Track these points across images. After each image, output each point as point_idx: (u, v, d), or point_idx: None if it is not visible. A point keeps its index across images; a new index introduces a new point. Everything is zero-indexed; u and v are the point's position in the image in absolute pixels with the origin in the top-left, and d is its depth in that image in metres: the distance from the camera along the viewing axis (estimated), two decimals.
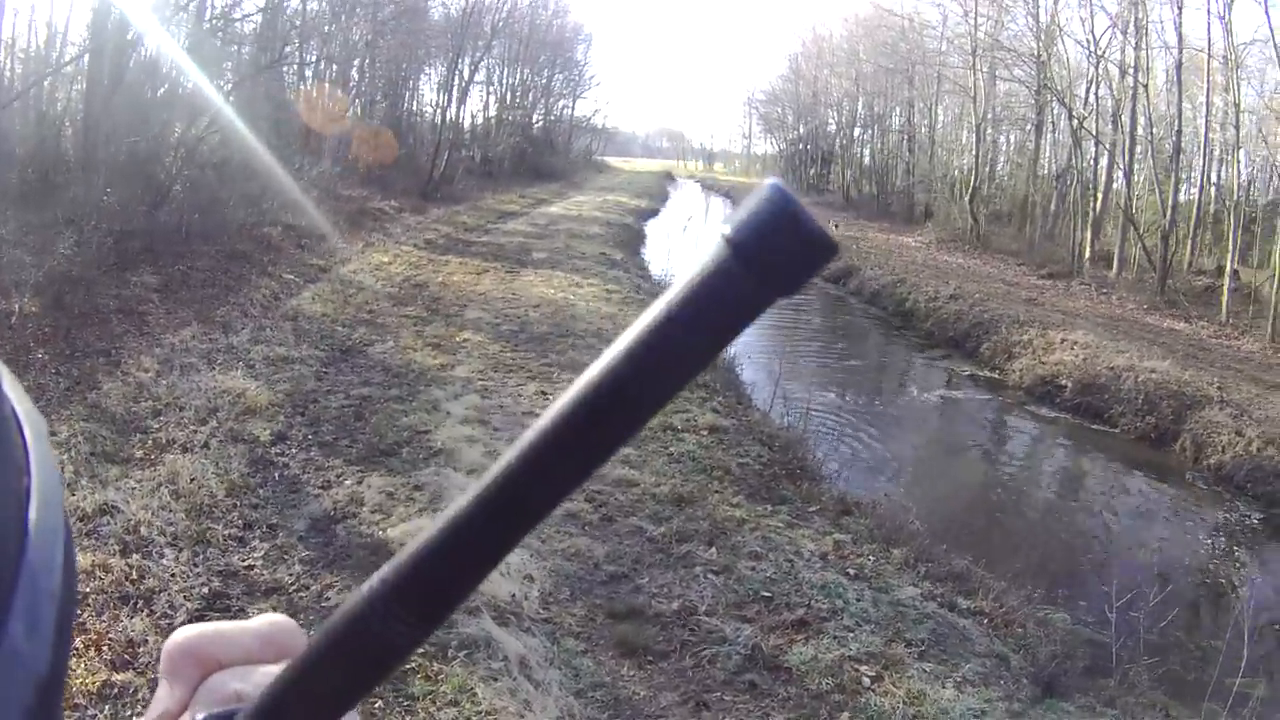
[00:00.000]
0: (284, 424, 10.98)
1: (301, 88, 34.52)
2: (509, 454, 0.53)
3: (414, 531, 7.85)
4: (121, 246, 15.89)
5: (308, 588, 7.25)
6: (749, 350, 19.06)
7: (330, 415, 11.45)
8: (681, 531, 8.67)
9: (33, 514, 0.56)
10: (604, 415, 0.52)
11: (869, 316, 28.18)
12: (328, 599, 7.07)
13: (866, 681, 6.51)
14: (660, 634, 6.92)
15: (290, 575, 7.43)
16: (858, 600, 7.55)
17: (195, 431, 10.24)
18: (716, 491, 9.74)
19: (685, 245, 36.72)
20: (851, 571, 8.17)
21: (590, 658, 6.58)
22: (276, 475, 9.53)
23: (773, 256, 0.49)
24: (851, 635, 7.00)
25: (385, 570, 0.56)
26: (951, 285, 27.50)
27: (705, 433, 11.60)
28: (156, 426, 10.29)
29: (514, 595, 7.17)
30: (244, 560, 7.66)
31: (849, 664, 6.65)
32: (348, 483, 9.38)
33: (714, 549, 8.33)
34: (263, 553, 7.79)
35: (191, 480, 8.89)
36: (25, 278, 13.20)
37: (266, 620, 0.73)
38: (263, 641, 0.71)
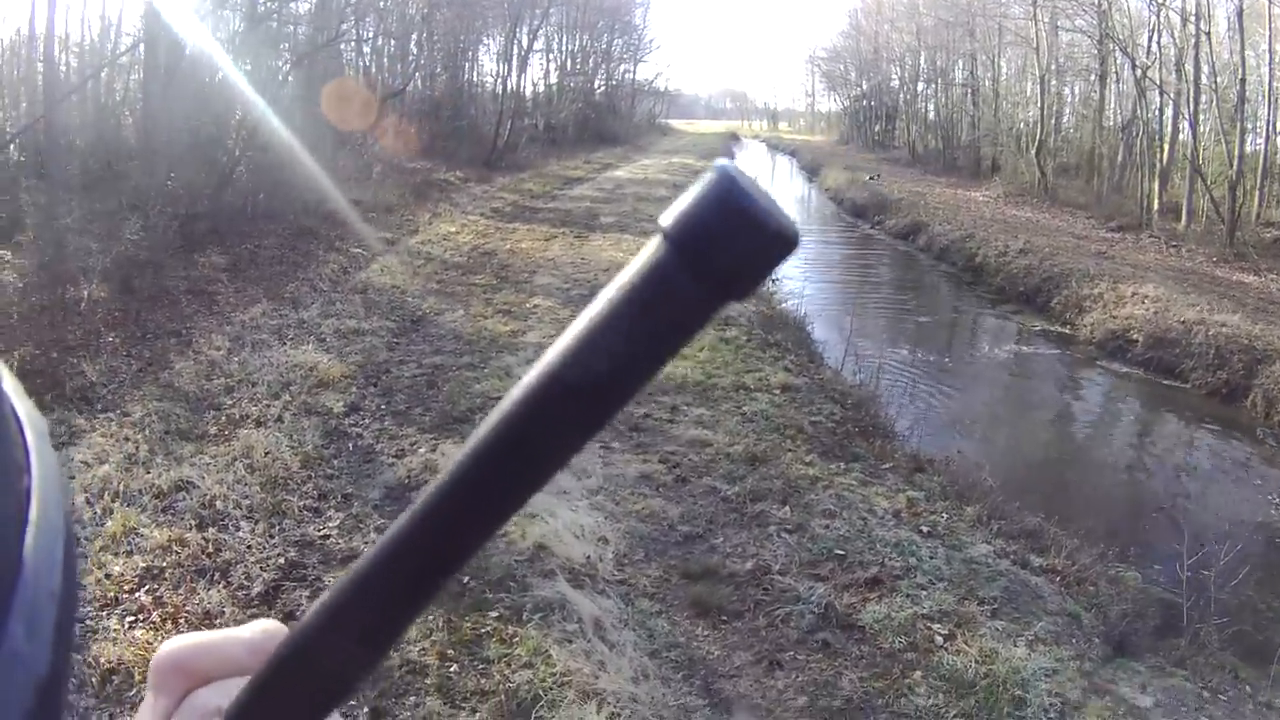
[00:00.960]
0: (357, 395, 11.10)
1: (359, 66, 34.61)
2: (438, 480, 0.52)
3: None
4: (187, 229, 16.15)
5: None
6: (820, 307, 19.06)
7: (403, 385, 11.54)
8: (755, 490, 8.68)
9: (33, 514, 0.56)
10: (539, 432, 0.49)
11: (938, 272, 28.00)
12: None
13: (939, 640, 6.50)
14: (734, 594, 6.95)
15: (366, 543, 7.47)
16: (930, 558, 7.54)
17: (268, 406, 10.39)
18: (790, 450, 9.73)
19: None
20: (924, 529, 8.16)
21: (665, 618, 6.62)
22: (350, 446, 9.64)
23: (720, 254, 0.44)
24: (924, 593, 6.99)
25: (328, 594, 0.56)
26: (1020, 240, 27.23)
27: (778, 391, 11.60)
28: (230, 403, 10.44)
29: (589, 557, 7.22)
30: (319, 530, 7.77)
31: (922, 622, 6.65)
32: (421, 450, 9.46)
33: (788, 508, 8.33)
34: (338, 522, 7.89)
35: (266, 454, 9.02)
36: (93, 264, 13.42)
37: (257, 628, 0.72)
38: (252, 651, 0.70)
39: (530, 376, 0.48)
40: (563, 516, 7.82)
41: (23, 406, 0.62)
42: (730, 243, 0.43)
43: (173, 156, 18.14)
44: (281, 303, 14.85)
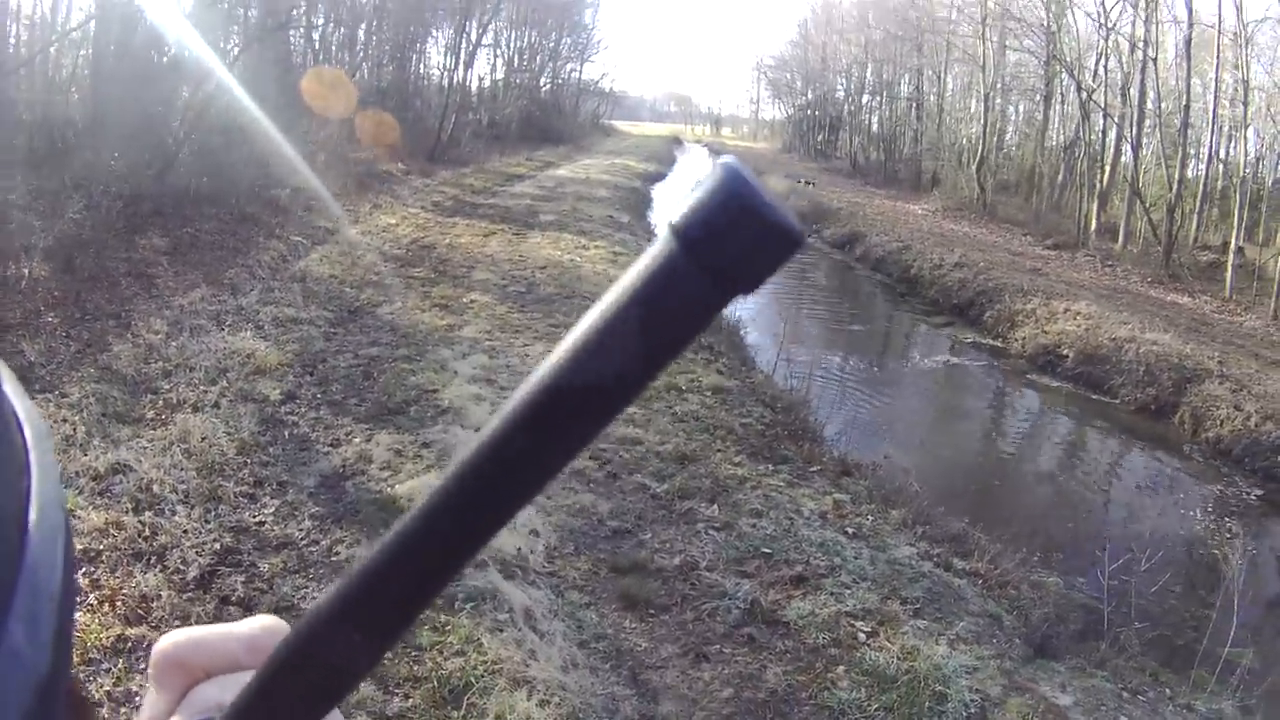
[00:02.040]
0: (293, 383, 11.11)
1: (308, 54, 34.51)
2: (451, 469, 0.52)
3: (420, 489, 8.01)
4: (130, 210, 16.01)
5: (317, 543, 7.41)
6: (753, 314, 19.19)
7: (339, 375, 11.57)
8: (684, 489, 8.80)
9: (33, 514, 0.56)
10: (546, 430, 0.49)
11: (874, 282, 28.26)
12: (337, 553, 7.24)
13: (862, 637, 6.66)
14: (662, 588, 7.07)
15: (300, 531, 7.58)
16: (855, 558, 7.70)
17: (205, 392, 10.37)
18: (719, 450, 9.87)
19: None
20: (850, 530, 8.32)
21: (594, 610, 6.73)
22: (286, 434, 9.66)
23: (728, 250, 0.45)
24: (848, 592, 7.14)
25: (334, 588, 0.56)
26: (956, 253, 27.62)
27: (709, 393, 11.73)
28: (167, 387, 10.41)
29: (520, 549, 7.32)
30: (255, 517, 7.80)
31: (845, 619, 6.80)
32: (356, 440, 9.50)
33: (716, 506, 8.47)
34: (274, 509, 7.93)
35: (202, 439, 9.02)
36: (35, 242, 13.25)
37: (256, 624, 0.72)
38: (250, 647, 0.71)
39: (541, 371, 0.49)
40: None
41: (23, 407, 0.63)
42: (739, 239, 0.45)
43: (119, 135, 18.05)
44: (221, 288, 14.79)
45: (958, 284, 24.27)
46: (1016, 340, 19.90)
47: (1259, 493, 13.59)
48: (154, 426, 9.37)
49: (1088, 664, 7.20)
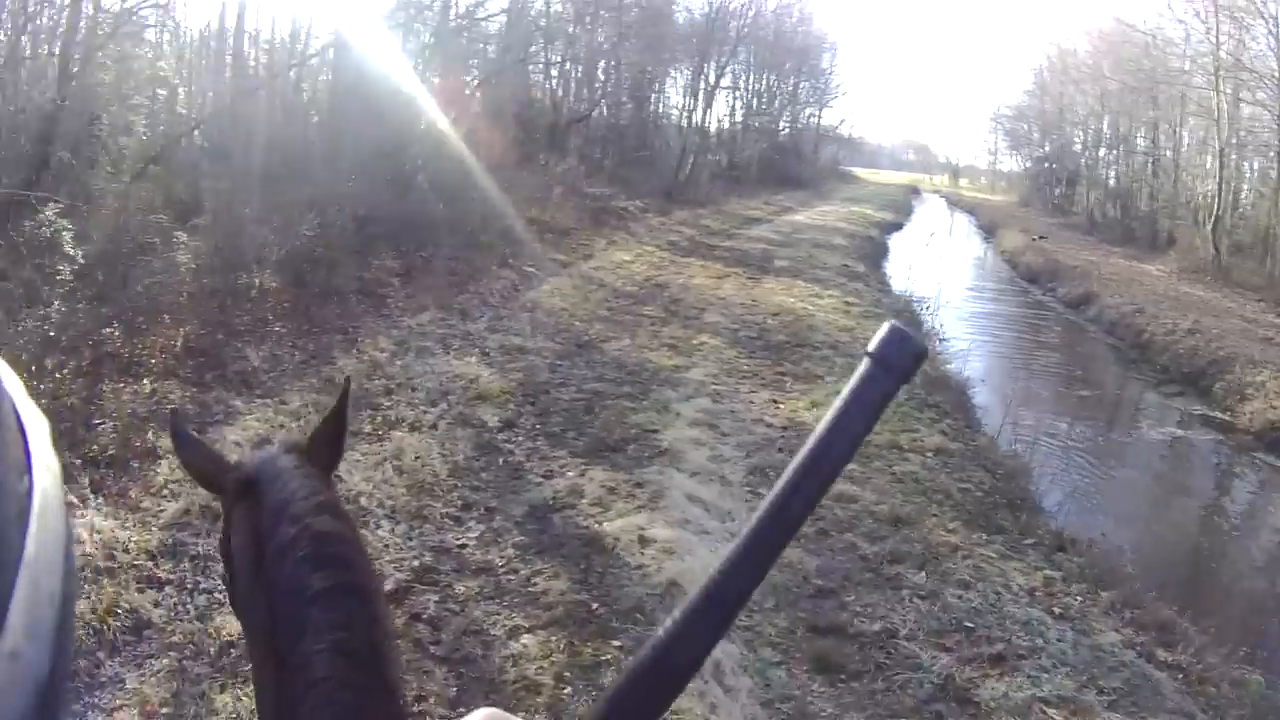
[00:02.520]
0: (513, 412, 11.32)
1: (547, 88, 35.08)
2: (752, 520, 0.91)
3: (629, 529, 8.06)
4: (364, 231, 16.58)
5: (517, 571, 7.51)
6: (984, 371, 18.93)
7: (560, 407, 11.72)
8: (894, 552, 8.64)
9: (33, 514, 0.57)
10: (803, 492, 0.91)
11: (1105, 346, 27.43)
12: (534, 584, 7.32)
13: None
14: (857, 653, 6.98)
15: (501, 558, 7.71)
16: (1058, 640, 7.47)
17: (425, 412, 10.70)
18: (934, 515, 9.67)
19: (927, 261, 36.21)
20: (1057, 610, 8.06)
21: (784, 669, 6.67)
22: (500, 461, 9.85)
23: (897, 362, 0.89)
24: (1046, 676, 6.93)
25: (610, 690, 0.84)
26: (1189, 319, 26.72)
27: (930, 454, 11.48)
28: (387, 404, 10.75)
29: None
30: (458, 539, 7.98)
31: (1038, 705, 6.59)
32: (570, 474, 9.63)
33: (924, 573, 8.30)
34: (478, 534, 8.11)
35: (416, 458, 9.28)
36: (267, 254, 13.71)
37: (482, 715, 0.81)
38: None
39: (807, 446, 0.89)
40: (701, 555, 7.94)
41: (24, 407, 0.65)
42: (903, 356, 0.91)
43: (356, 159, 18.60)
44: (450, 312, 15.20)
45: (1189, 351, 23.45)
46: (1245, 414, 19.06)
47: None
48: (370, 441, 9.69)
49: None
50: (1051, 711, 6.59)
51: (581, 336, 15.32)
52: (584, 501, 8.97)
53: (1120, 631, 8.01)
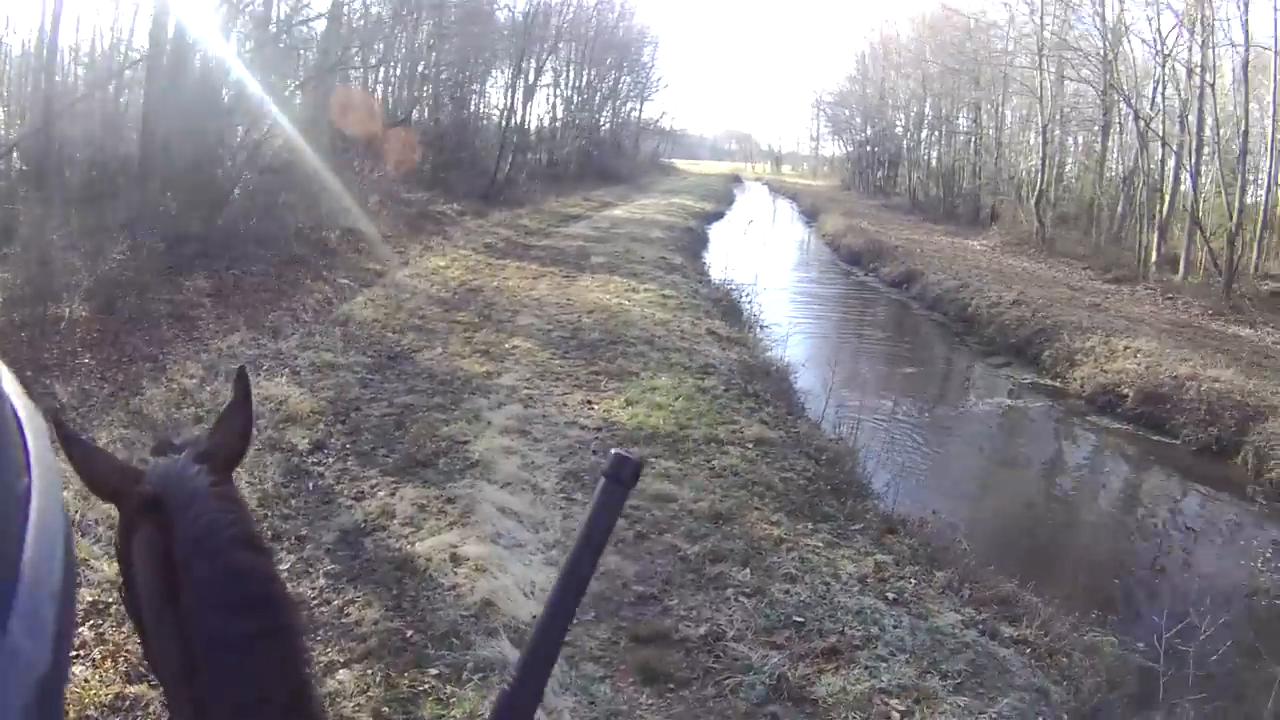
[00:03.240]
0: (323, 432, 10.86)
1: (339, 89, 34.75)
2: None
3: (440, 548, 7.69)
4: (176, 250, 16.05)
5: (329, 602, 7.09)
6: (805, 355, 18.88)
7: (370, 424, 11.27)
8: (716, 551, 8.30)
9: (33, 514, 0.58)
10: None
11: (930, 322, 27.75)
12: (348, 614, 6.92)
13: (896, 717, 6.20)
14: (684, 660, 6.64)
15: (313, 589, 7.27)
16: (894, 627, 7.21)
17: None
18: (756, 509, 9.33)
19: (746, 249, 36.41)
20: (890, 596, 7.82)
21: (609, 684, 6.31)
22: (310, 485, 9.39)
23: (623, 474, 1.25)
24: (884, 665, 6.66)
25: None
26: (1014, 290, 27.14)
27: (751, 445, 11.19)
28: (196, 434, 10.16)
29: (534, 615, 6.94)
30: None
31: (879, 697, 6.32)
32: (381, 494, 9.21)
33: (748, 570, 7.96)
34: (289, 565, 7.62)
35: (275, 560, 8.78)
36: (78, 282, 13.28)
37: None
38: None
39: (571, 550, 1.26)
40: (514, 571, 7.58)
41: (23, 407, 0.66)
42: (625, 470, 1.31)
43: (169, 175, 18.04)
44: (261, 332, 14.70)
45: (1015, 322, 23.73)
46: (1075, 380, 19.32)
47: None
48: None
49: None
50: (893, 702, 6.34)
51: (394, 348, 14.89)
52: (395, 522, 8.55)
53: (960, 611, 7.80)
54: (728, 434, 11.45)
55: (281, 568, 7.49)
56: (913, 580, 8.22)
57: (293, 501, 8.93)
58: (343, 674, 6.16)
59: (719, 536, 8.60)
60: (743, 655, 6.71)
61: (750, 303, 22.69)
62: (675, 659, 6.65)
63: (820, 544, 8.69)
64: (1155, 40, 36.34)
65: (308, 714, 1.41)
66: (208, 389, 11.60)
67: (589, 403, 12.59)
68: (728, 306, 21.88)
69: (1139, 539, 12.72)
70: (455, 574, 7.54)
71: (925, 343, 26.03)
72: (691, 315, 19.00)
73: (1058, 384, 19.82)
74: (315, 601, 7.08)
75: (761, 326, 20.58)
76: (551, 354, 15.06)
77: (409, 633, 6.64)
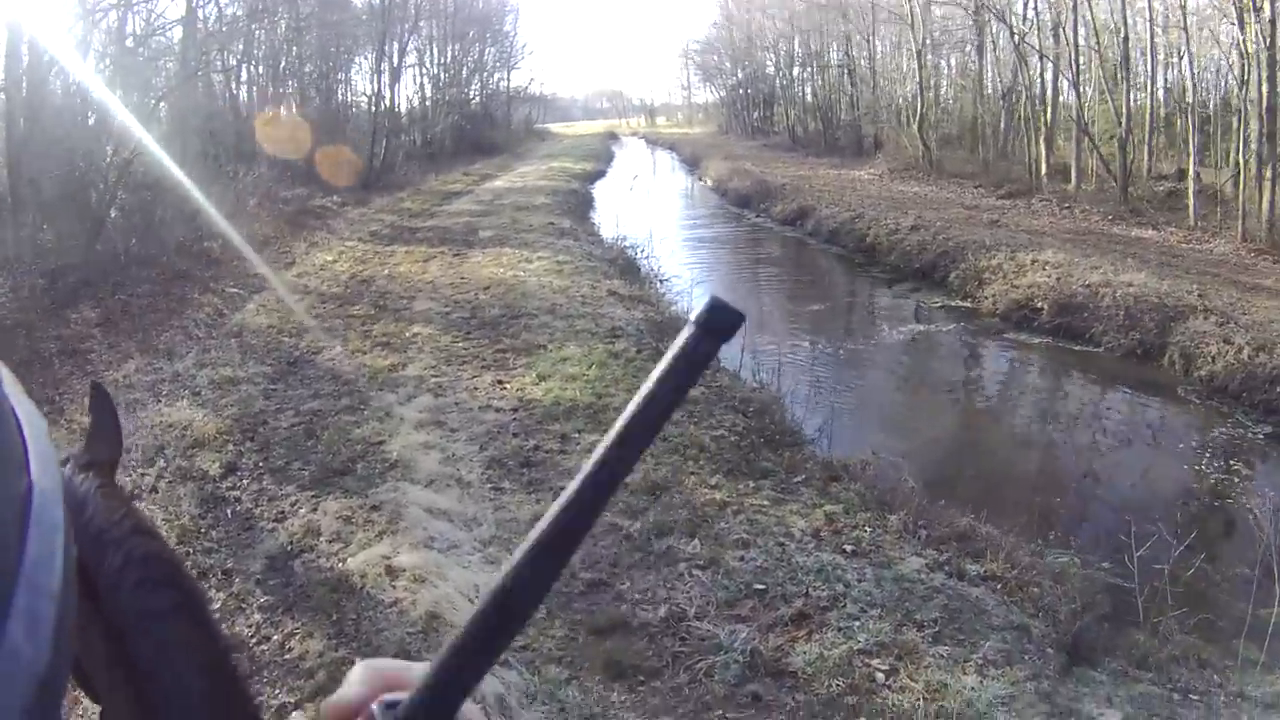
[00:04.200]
0: (233, 453, 10.29)
1: (229, 95, 34.03)
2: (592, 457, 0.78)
3: (373, 561, 7.26)
4: (58, 284, 15.53)
5: (269, 639, 6.64)
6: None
7: (280, 437, 10.74)
8: (660, 524, 7.94)
9: (33, 514, 0.56)
10: (632, 441, 0.78)
11: (830, 256, 27.64)
12: (290, 649, 6.50)
13: (880, 677, 5.89)
14: (649, 647, 6.29)
15: (249, 626, 6.83)
16: (859, 581, 6.92)
17: (142, 475, 9.66)
18: (692, 473, 9.00)
19: (634, 204, 36.16)
20: (848, 548, 7.52)
21: (576, 685, 5.92)
22: (228, 512, 8.86)
23: (718, 325, 0.78)
24: (858, 624, 6.36)
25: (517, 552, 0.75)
26: (911, 216, 27.05)
27: None
28: (74, 449, 9.68)
29: None
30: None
31: (859, 659, 6.02)
32: (302, 511, 8.71)
33: (696, 540, 7.64)
34: (219, 603, 7.18)
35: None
36: None
37: (359, 669, 0.82)
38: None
39: (632, 405, 0.79)
40: (454, 577, 7.16)
41: (22, 407, 0.65)
42: (722, 318, 0.78)
43: (41, 206, 17.44)
44: (156, 355, 14.13)
45: (917, 247, 23.66)
46: (987, 299, 19.23)
47: (1266, 429, 12.89)
48: None
49: (1129, 664, 6.51)
50: (875, 662, 6.09)
51: (292, 353, 14.33)
52: (322, 540, 8.07)
53: (922, 554, 7.54)
54: None
55: (212, 608, 7.06)
56: (867, 529, 7.93)
57: (213, 533, 8.43)
58: (295, 716, 5.80)
59: (660, 509, 8.25)
60: (709, 634, 6.37)
61: (647, 258, 22.46)
62: (639, 648, 6.29)
63: (765, 502, 8.37)
64: None
65: (234, 678, 1.25)
66: None
67: (500, 383, 12.20)
68: (625, 265, 21.66)
69: (1079, 452, 12.63)
70: (394, 588, 7.12)
71: (829, 277, 25.88)
72: (590, 278, 18.64)
73: (969, 304, 19.75)
74: (254, 639, 6.67)
75: (662, 281, 20.34)
76: (454, 337, 14.64)
77: (356, 659, 6.20)
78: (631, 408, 0.84)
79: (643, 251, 22.90)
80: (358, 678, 0.81)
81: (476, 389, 12.05)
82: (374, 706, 0.78)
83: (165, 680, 1.27)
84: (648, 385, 0.84)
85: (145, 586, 1.33)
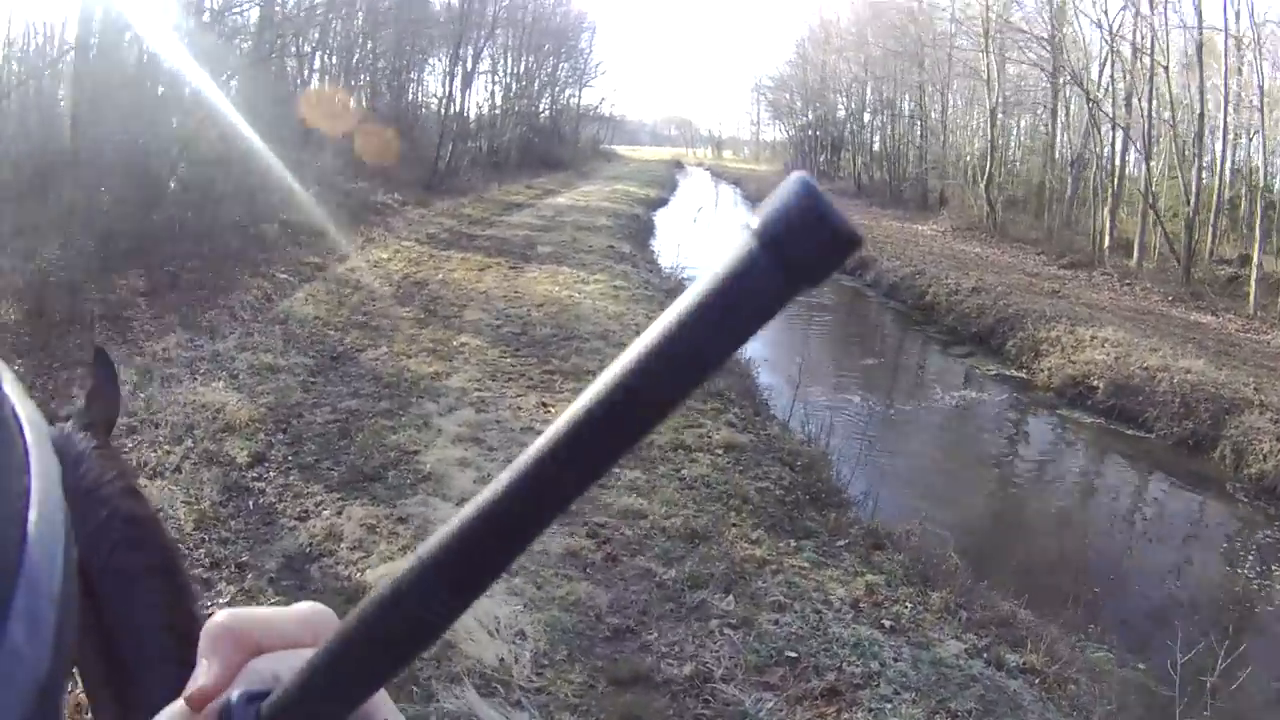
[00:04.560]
0: (263, 443, 10.09)
1: (299, 81, 34.05)
2: (543, 436, 0.55)
3: (392, 573, 7.03)
4: (109, 248, 15.38)
5: None
6: (765, 349, 18.21)
7: (314, 433, 10.54)
8: (695, 575, 7.61)
9: (33, 514, 0.56)
10: (633, 404, 0.52)
11: (888, 310, 27.33)
12: None
13: None
14: (670, 705, 5.97)
15: None
16: (895, 660, 6.61)
17: (168, 453, 9.44)
18: (734, 524, 8.66)
19: (696, 236, 36.06)
20: (887, 623, 7.20)
21: None
22: (251, 504, 8.65)
23: (799, 249, 0.49)
24: (889, 707, 6.04)
25: (426, 547, 0.58)
26: (972, 277, 26.74)
27: (721, 451, 10.51)
28: (129, 446, 9.47)
29: (503, 659, 6.25)
30: (206, 608, 6.74)
31: None
32: (326, 513, 8.47)
33: (731, 597, 7.32)
34: (229, 597, 6.92)
35: (159, 511, 8.02)
36: (9, 283, 12.76)
37: (306, 607, 0.74)
38: (302, 626, 0.71)
39: (634, 348, 0.52)
40: (477, 605, 6.87)
41: (23, 407, 0.65)
42: (810, 237, 0.48)
43: (103, 169, 17.39)
44: (198, 332, 13.95)
45: (976, 310, 23.32)
46: (1042, 371, 18.89)
47: None
48: None
49: None
50: None
51: (336, 347, 14.20)
52: (343, 546, 7.83)
53: (961, 638, 7.22)
54: (695, 439, 10.78)
55: (221, 602, 6.83)
56: (908, 604, 7.60)
57: (232, 523, 8.20)
58: None
59: (697, 559, 7.93)
60: (734, 699, 6.07)
61: None
62: (660, 705, 5.98)
63: (806, 564, 8.05)
64: (1102, 20, 36.06)
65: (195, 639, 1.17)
66: (142, 396, 10.90)
67: (545, 406, 11.91)
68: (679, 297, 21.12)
69: (1124, 543, 12.32)
70: None
71: (885, 332, 25.66)
72: (645, 308, 18.36)
73: (1024, 375, 19.38)
74: None
75: None
76: (502, 351, 14.38)
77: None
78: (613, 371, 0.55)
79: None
80: (210, 647, 0.68)
81: (520, 409, 11.78)
82: (233, 699, 0.67)
83: (128, 636, 1.45)
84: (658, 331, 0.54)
85: (123, 547, 1.53)
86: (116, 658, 1.44)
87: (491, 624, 6.65)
